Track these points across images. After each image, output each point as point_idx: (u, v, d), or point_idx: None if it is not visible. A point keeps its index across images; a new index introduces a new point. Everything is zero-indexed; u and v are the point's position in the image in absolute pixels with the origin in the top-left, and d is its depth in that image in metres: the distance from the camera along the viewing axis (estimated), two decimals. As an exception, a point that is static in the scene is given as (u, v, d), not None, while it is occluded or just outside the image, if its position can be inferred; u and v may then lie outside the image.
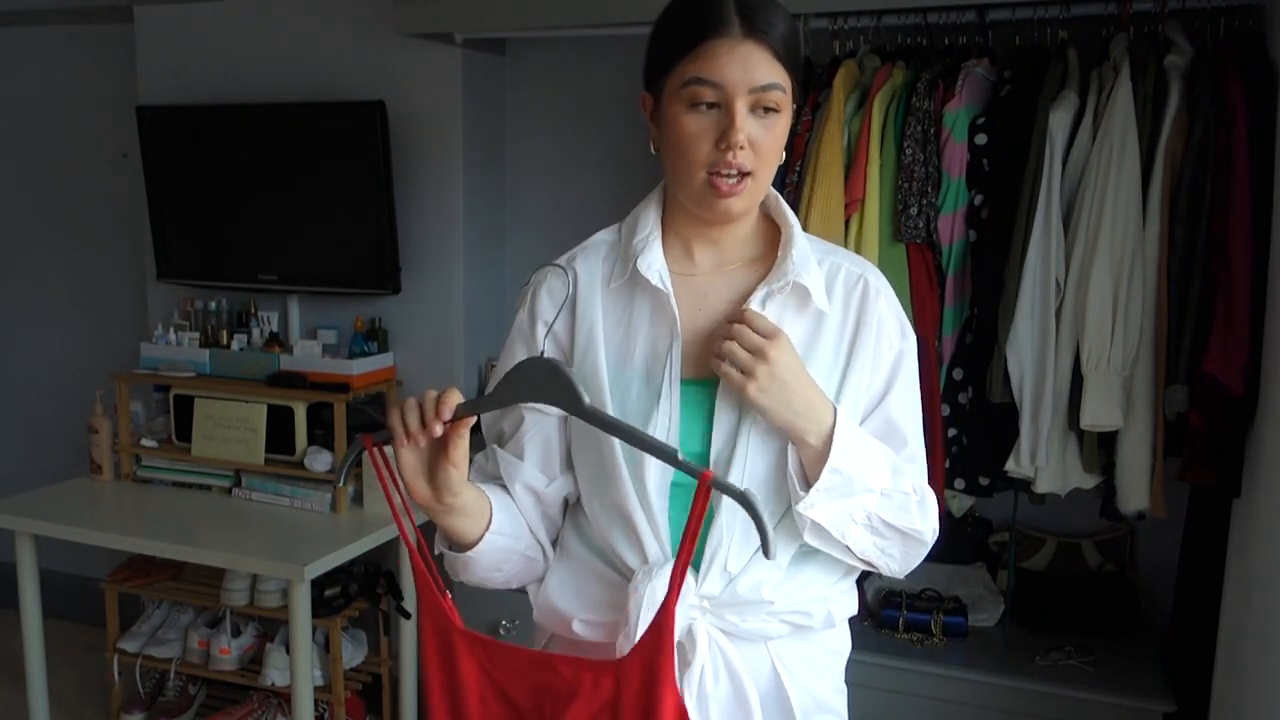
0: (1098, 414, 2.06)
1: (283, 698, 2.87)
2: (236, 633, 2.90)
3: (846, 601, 1.29)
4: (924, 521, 1.25)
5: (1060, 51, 2.17)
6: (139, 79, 3.20)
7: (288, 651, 2.63)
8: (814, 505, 1.17)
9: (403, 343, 2.99)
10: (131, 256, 3.40)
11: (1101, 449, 2.14)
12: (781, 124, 1.19)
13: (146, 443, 2.97)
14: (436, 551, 1.26)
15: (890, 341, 1.26)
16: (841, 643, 1.33)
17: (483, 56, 2.92)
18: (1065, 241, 2.08)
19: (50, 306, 3.65)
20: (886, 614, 2.47)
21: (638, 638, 1.13)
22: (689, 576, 1.19)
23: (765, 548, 1.07)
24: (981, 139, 2.15)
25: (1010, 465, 2.16)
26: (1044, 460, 2.12)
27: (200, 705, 3.08)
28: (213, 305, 3.07)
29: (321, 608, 2.70)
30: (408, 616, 2.82)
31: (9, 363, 3.74)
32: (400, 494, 1.18)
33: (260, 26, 3.03)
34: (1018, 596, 2.49)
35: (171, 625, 3.02)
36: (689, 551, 1.10)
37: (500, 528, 1.23)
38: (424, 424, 1.11)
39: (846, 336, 1.25)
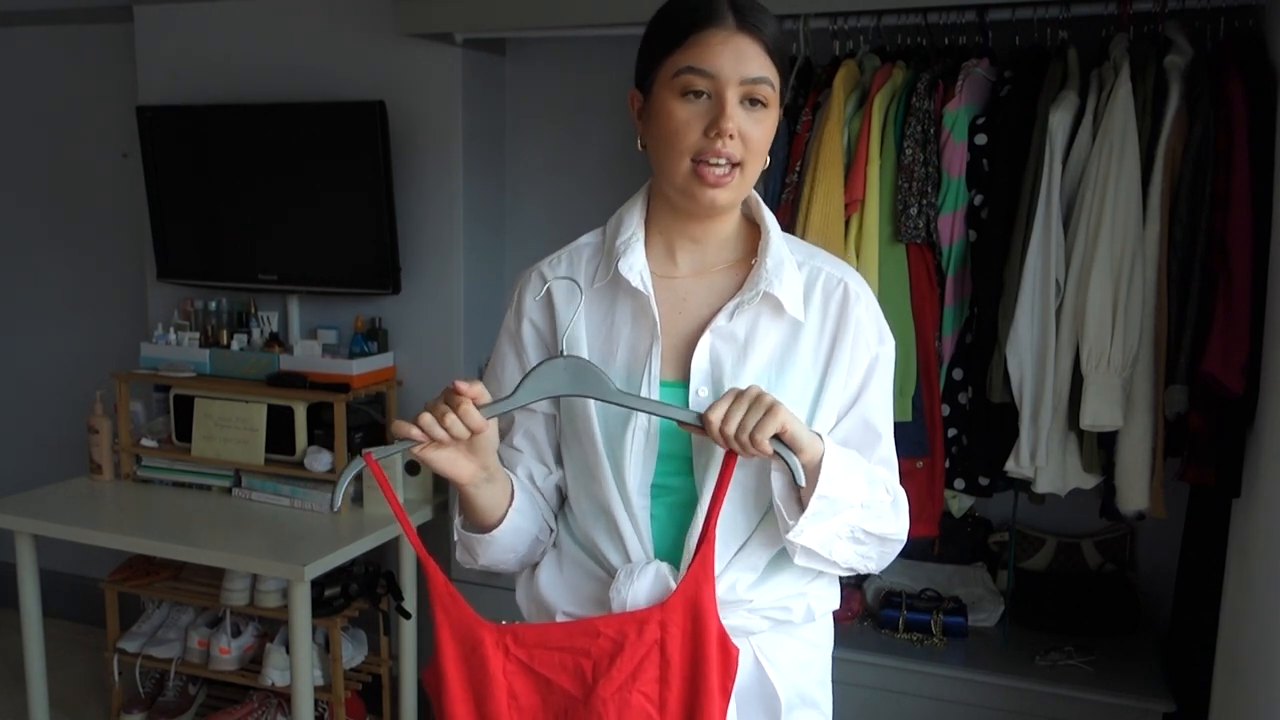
0: (1098, 414, 2.06)
1: (283, 698, 2.87)
2: (236, 633, 2.90)
3: (827, 596, 1.31)
4: (898, 522, 1.27)
5: (1060, 51, 2.17)
6: (139, 79, 3.20)
7: (288, 651, 2.63)
8: (803, 532, 1.18)
9: (403, 343, 2.99)
10: (131, 256, 3.40)
11: (1101, 449, 2.14)
12: (770, 120, 1.19)
13: (146, 443, 2.97)
14: (454, 538, 1.27)
15: (867, 345, 1.27)
16: (824, 636, 1.34)
17: (483, 56, 2.92)
18: (1065, 241, 2.08)
19: (50, 306, 3.64)
20: (886, 614, 2.47)
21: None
22: (669, 577, 1.21)
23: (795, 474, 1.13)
24: (981, 139, 2.15)
25: (1010, 465, 2.16)
26: (1044, 460, 2.12)
27: (200, 705, 3.07)
28: (213, 305, 3.07)
29: (321, 608, 2.70)
30: (408, 616, 2.82)
31: (9, 363, 3.73)
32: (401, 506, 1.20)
33: (260, 26, 3.03)
34: (1018, 596, 2.49)
35: (171, 625, 3.01)
36: (727, 479, 1.16)
37: (520, 505, 1.25)
38: (468, 428, 1.12)
39: (825, 342, 1.25)
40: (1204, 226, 1.98)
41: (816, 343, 1.25)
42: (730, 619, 1.22)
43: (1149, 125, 2.02)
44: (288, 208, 2.95)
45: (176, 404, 2.92)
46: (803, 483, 1.14)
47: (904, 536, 1.28)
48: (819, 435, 1.17)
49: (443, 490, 2.83)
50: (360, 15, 2.91)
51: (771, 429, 1.11)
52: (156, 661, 2.94)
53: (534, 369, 1.18)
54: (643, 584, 1.20)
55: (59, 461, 3.37)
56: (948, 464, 2.27)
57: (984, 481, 2.26)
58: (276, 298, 3.07)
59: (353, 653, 2.90)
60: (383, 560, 2.92)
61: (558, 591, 1.28)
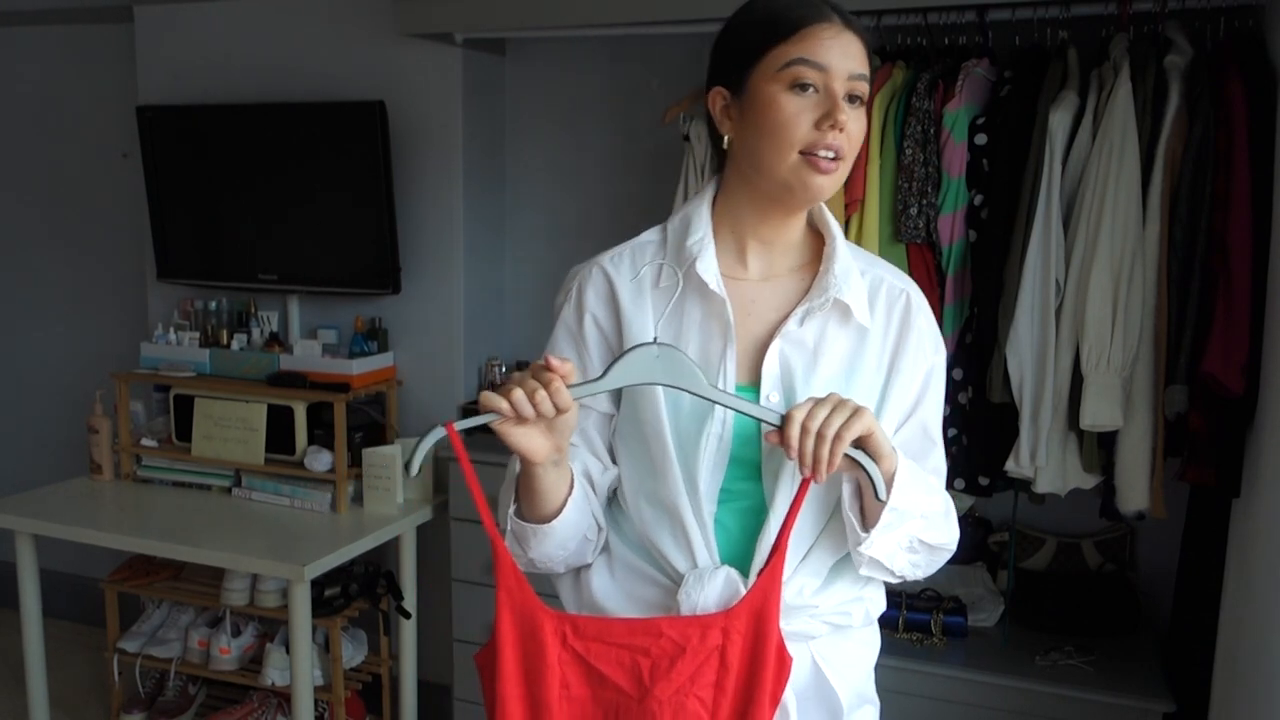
0: (1097, 414, 2.06)
1: (283, 698, 2.87)
2: (236, 633, 2.90)
3: (879, 599, 1.34)
4: (950, 533, 1.28)
5: (1060, 51, 2.17)
6: (139, 79, 3.20)
7: (288, 651, 2.63)
8: (873, 544, 1.19)
9: (403, 343, 2.99)
10: (131, 256, 3.40)
11: (1101, 449, 2.14)
12: (864, 118, 1.20)
13: (146, 443, 2.97)
14: (509, 528, 1.25)
15: (925, 356, 1.28)
16: (875, 636, 1.37)
17: (483, 56, 2.92)
18: (1065, 241, 2.08)
19: (50, 306, 3.65)
20: (886, 614, 2.46)
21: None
22: (739, 582, 1.20)
23: (875, 489, 1.13)
24: (981, 139, 2.15)
25: (1010, 465, 2.16)
26: (1044, 460, 2.12)
27: (200, 705, 3.08)
28: (213, 305, 3.07)
29: (321, 608, 2.70)
30: (408, 616, 2.82)
31: (9, 363, 3.74)
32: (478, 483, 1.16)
33: (260, 26, 3.03)
34: (1018, 596, 2.49)
35: (171, 625, 3.01)
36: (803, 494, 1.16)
37: (576, 498, 1.23)
38: (556, 406, 1.09)
39: (889, 350, 1.26)
40: (1204, 226, 1.98)
41: (880, 350, 1.26)
42: (794, 624, 1.23)
43: (1149, 125, 2.02)
44: (288, 208, 2.95)
45: (176, 404, 2.92)
46: (884, 497, 1.14)
47: (954, 546, 1.29)
48: (894, 447, 1.17)
49: (443, 490, 2.83)
50: (360, 15, 2.91)
51: (858, 429, 1.11)
52: (156, 661, 2.94)
53: (625, 354, 1.15)
54: (713, 589, 1.19)
55: (59, 461, 3.37)
56: (948, 464, 2.27)
57: (984, 481, 2.26)
58: (276, 298, 3.07)
59: (352, 653, 2.90)
60: (383, 560, 2.92)
61: (614, 599, 1.27)
